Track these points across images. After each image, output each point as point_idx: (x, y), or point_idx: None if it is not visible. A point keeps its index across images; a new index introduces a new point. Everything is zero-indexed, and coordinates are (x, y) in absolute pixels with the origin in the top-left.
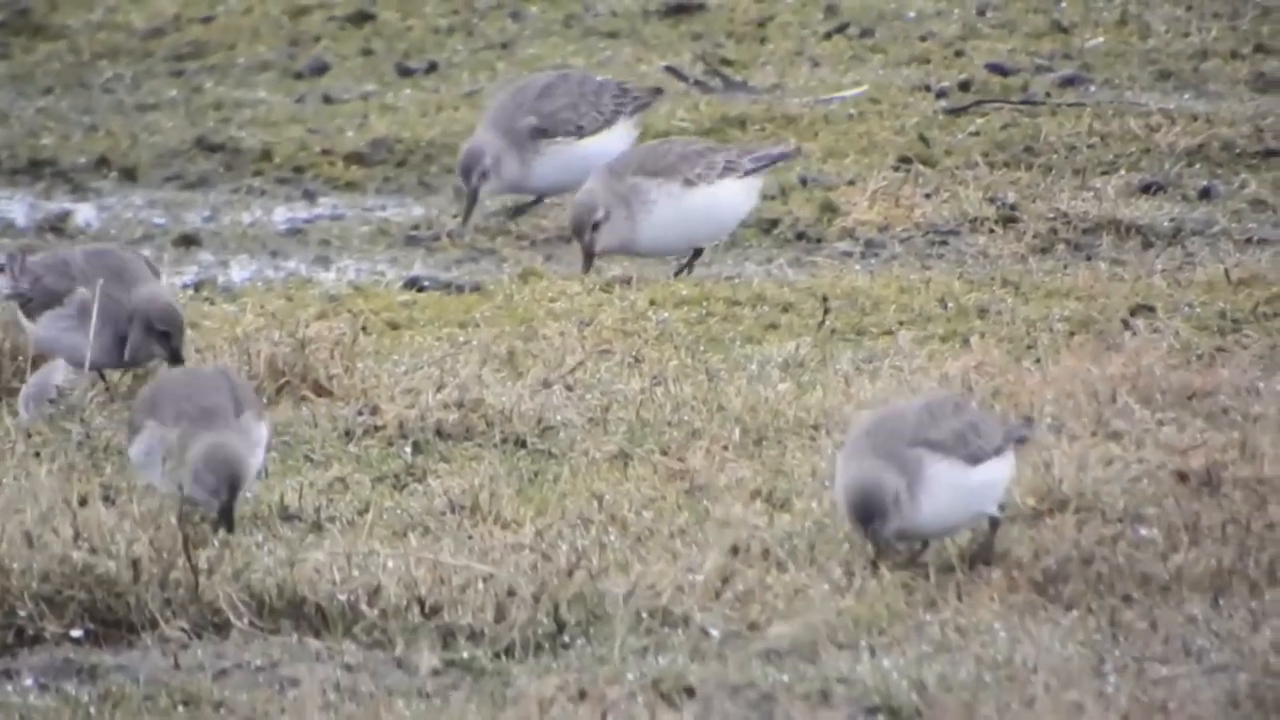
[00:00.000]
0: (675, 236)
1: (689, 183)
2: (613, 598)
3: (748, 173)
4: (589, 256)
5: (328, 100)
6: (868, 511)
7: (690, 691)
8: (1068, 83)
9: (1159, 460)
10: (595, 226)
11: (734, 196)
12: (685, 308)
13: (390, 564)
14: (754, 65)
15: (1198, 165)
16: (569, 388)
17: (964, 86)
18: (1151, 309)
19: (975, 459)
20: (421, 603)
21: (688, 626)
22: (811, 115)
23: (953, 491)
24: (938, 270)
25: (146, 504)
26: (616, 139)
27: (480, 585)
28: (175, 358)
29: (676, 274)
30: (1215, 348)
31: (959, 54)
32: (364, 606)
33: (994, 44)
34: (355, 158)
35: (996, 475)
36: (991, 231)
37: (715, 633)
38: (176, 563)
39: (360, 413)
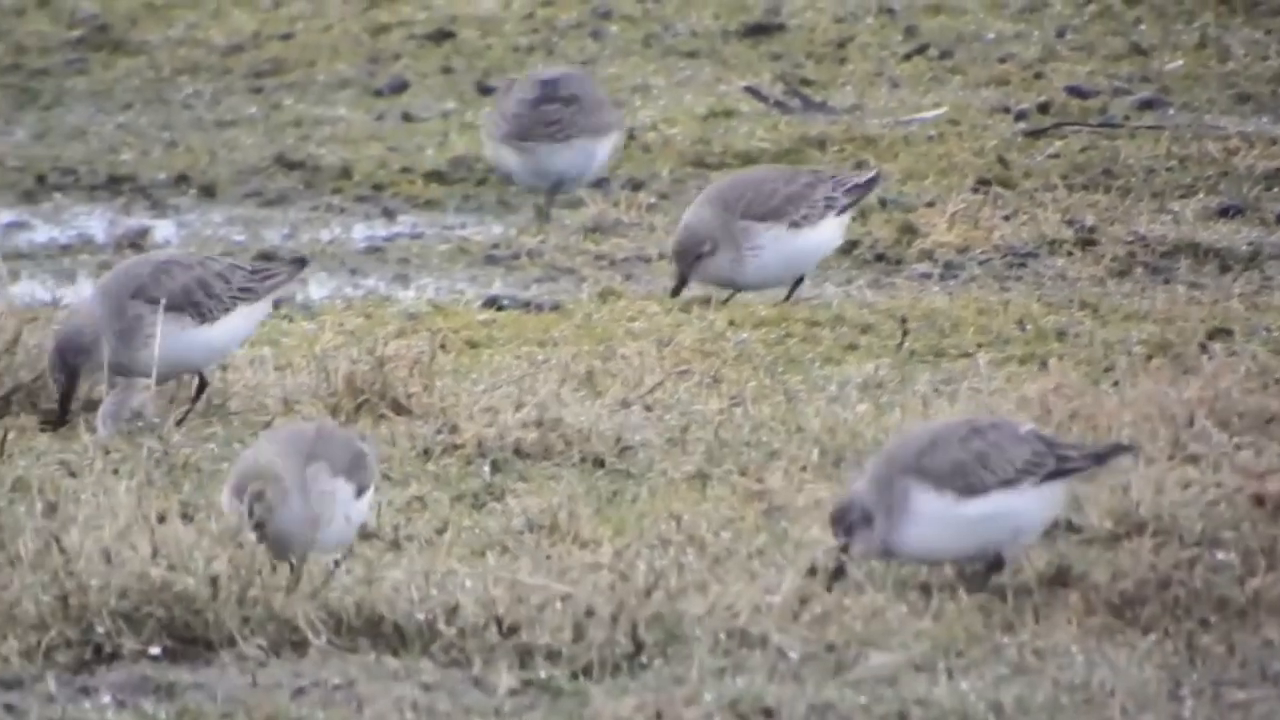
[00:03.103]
0: (777, 276)
1: (795, 225)
2: (690, 618)
3: (843, 209)
4: (683, 283)
5: (407, 118)
6: (832, 525)
7: (768, 713)
8: (1146, 105)
9: (1236, 484)
10: (698, 258)
11: (833, 234)
12: (764, 328)
13: (468, 583)
14: (833, 86)
15: (1276, 189)
16: (648, 408)
17: (1043, 109)
18: (1229, 332)
19: (971, 491)
20: (499, 622)
21: (765, 647)
22: (891, 136)
23: (941, 523)
24: (1016, 292)
25: (225, 521)
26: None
27: (558, 605)
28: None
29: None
30: None
31: (1038, 76)
32: (442, 625)
33: (1073, 66)
34: (435, 176)
35: (1002, 508)
36: (1070, 254)
37: (793, 654)
38: (255, 580)
39: (439, 431)
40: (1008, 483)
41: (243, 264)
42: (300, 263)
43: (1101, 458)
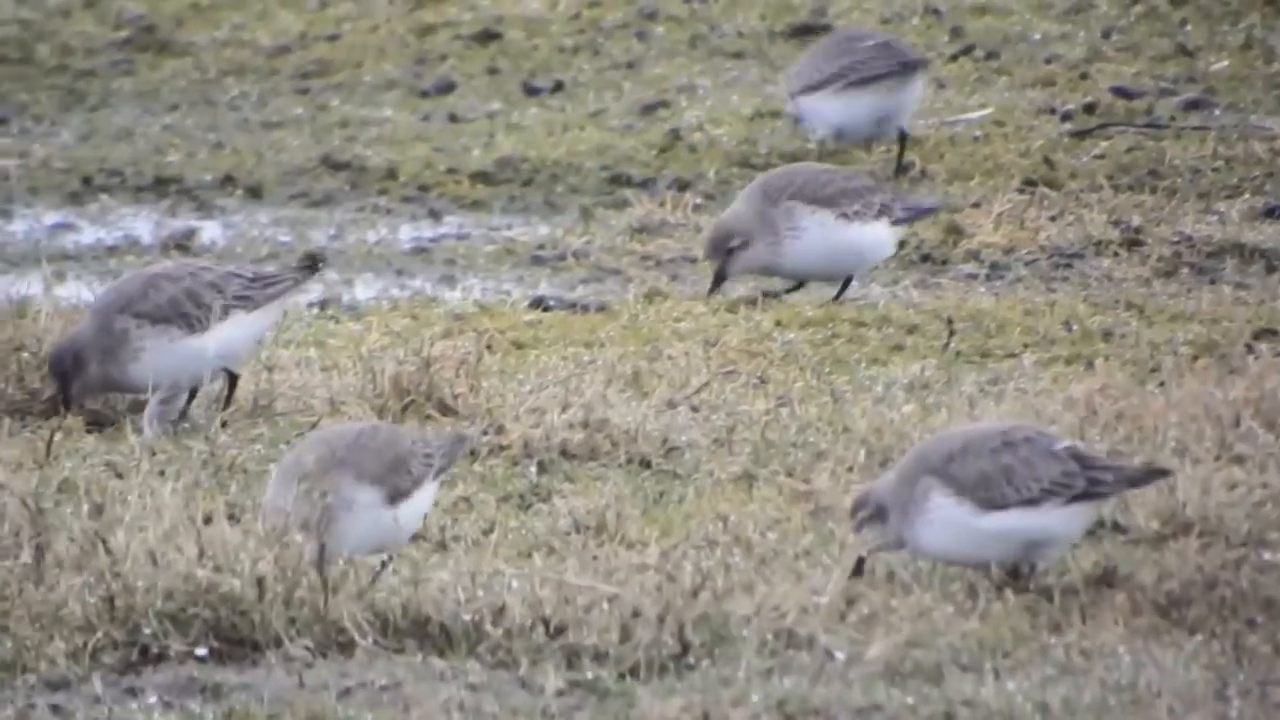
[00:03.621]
0: (820, 266)
1: (845, 217)
2: (737, 619)
3: (898, 221)
4: (719, 279)
5: (453, 119)
6: (849, 515)
7: (815, 713)
8: (1192, 106)
9: None
10: (730, 252)
11: (883, 238)
12: (810, 329)
13: (515, 584)
14: None
15: None
16: (694, 408)
17: (1089, 109)
18: (1275, 333)
19: (989, 505)
20: (546, 623)
21: (812, 648)
22: (937, 137)
23: (956, 530)
24: (1062, 293)
25: (269, 522)
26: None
27: (605, 606)
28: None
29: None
30: None
31: (1084, 77)
32: (488, 626)
33: (1119, 67)
34: (481, 176)
35: (1020, 526)
36: (1116, 254)
37: (840, 654)
38: (301, 581)
39: (485, 432)
40: (1030, 501)
41: (244, 271)
42: (310, 268)
43: (1136, 481)
